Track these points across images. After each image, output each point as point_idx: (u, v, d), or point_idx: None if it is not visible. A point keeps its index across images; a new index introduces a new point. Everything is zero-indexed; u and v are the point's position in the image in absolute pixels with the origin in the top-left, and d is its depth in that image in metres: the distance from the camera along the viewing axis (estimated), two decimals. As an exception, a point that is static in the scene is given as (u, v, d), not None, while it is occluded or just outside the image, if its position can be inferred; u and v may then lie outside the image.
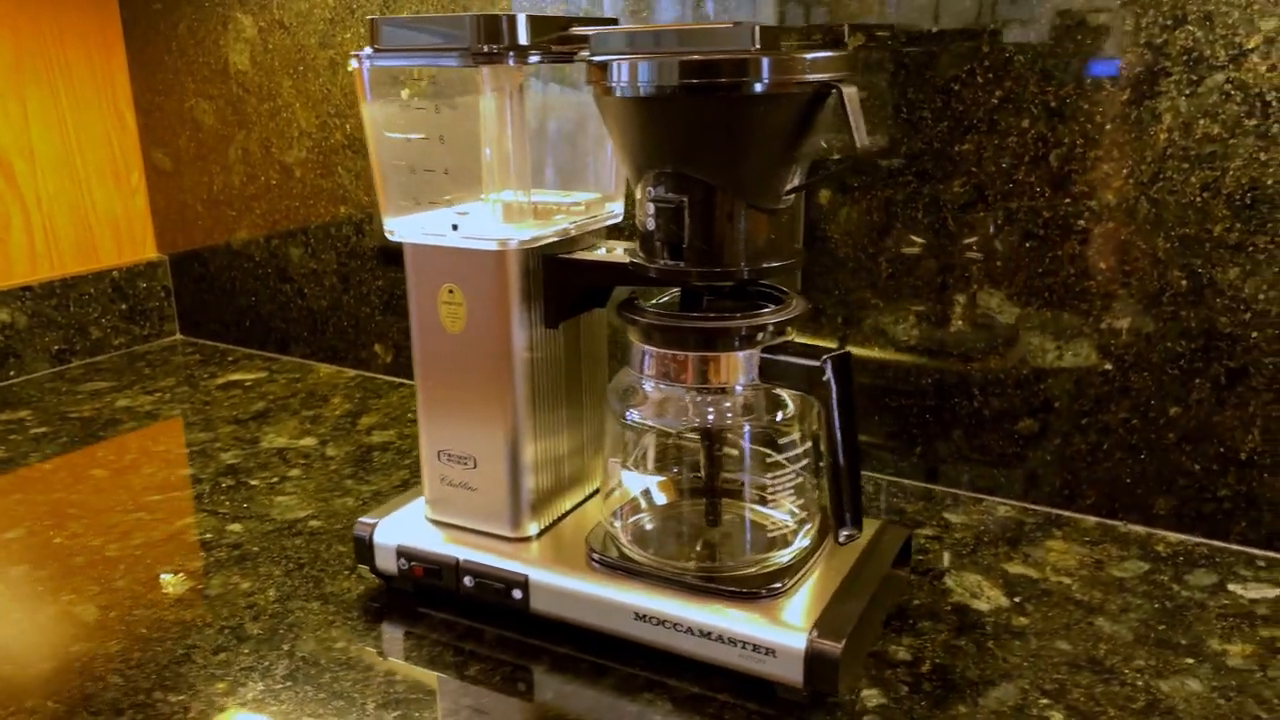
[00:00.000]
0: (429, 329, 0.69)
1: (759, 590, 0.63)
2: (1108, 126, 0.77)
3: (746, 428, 0.65)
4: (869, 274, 0.89)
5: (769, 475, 0.66)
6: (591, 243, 0.72)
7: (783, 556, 0.65)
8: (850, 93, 0.56)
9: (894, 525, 0.72)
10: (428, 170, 0.66)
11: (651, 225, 0.61)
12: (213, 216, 1.33)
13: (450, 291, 0.67)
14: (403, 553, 0.71)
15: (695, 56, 0.56)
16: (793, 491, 0.65)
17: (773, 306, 0.65)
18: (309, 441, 1.04)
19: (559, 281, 0.67)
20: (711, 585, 0.63)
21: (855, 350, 0.91)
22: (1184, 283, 0.77)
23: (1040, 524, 0.84)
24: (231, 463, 0.99)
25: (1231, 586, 0.74)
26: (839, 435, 0.59)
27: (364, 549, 0.73)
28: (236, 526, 0.85)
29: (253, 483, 0.94)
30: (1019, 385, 0.85)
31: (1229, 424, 0.77)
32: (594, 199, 0.72)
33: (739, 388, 0.64)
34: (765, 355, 0.61)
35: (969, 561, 0.78)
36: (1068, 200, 0.80)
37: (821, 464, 0.65)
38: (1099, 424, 0.82)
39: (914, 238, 0.86)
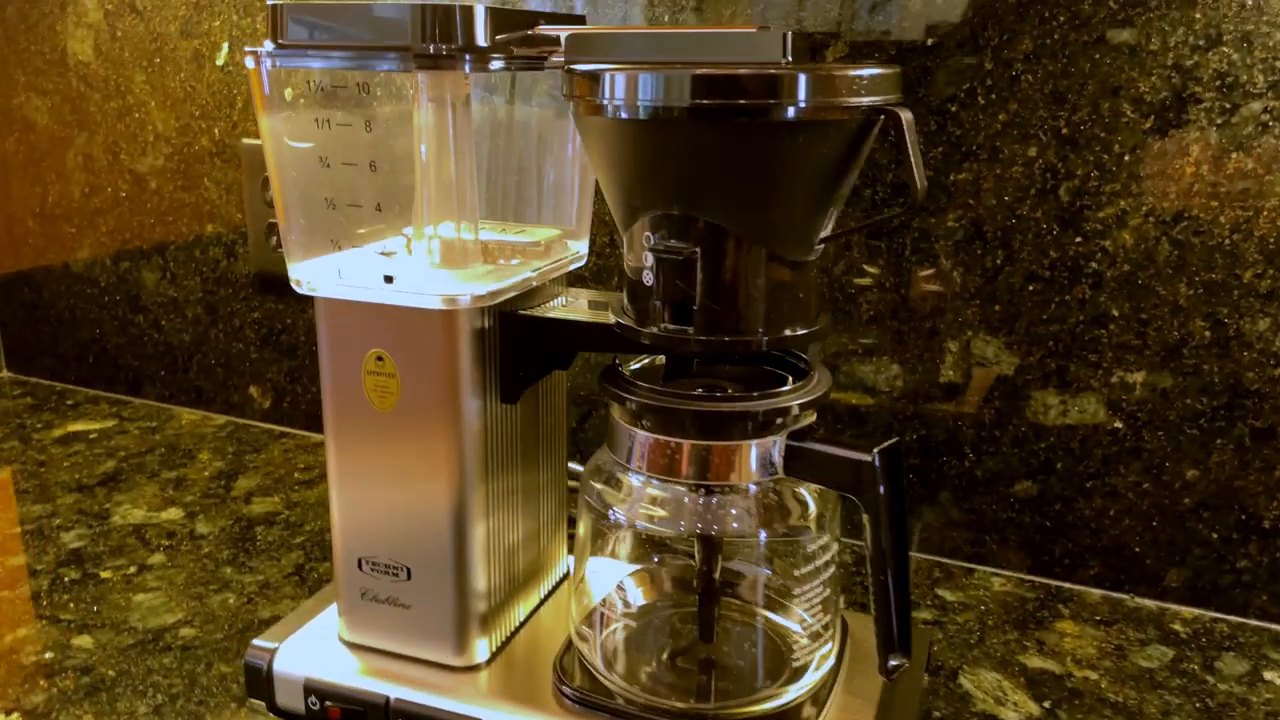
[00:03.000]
0: (349, 406, 0.54)
1: (781, 733, 0.50)
2: (1127, 158, 0.68)
3: (763, 535, 0.52)
4: (847, 315, 0.78)
5: (787, 587, 0.54)
6: (552, 292, 0.58)
7: (800, 688, 0.53)
8: (909, 120, 0.44)
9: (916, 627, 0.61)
10: (354, 205, 0.51)
11: (650, 280, 0.48)
12: (47, 233, 1.12)
13: (379, 360, 0.52)
14: (312, 688, 0.56)
15: (718, 71, 0.43)
16: (817, 605, 0.53)
17: (790, 380, 0.52)
18: (173, 514, 0.86)
19: (522, 346, 0.53)
20: (720, 730, 0.51)
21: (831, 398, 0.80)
22: (1207, 334, 0.69)
23: (1043, 600, 0.74)
24: (76, 546, 0.80)
25: (1268, 675, 0.66)
26: (890, 545, 0.47)
27: (260, 681, 0.57)
28: (85, 640, 0.68)
29: (104, 574, 0.76)
30: (1016, 444, 0.75)
31: (1252, 489, 0.70)
32: (554, 236, 0.58)
33: (753, 486, 0.51)
34: (794, 444, 0.49)
35: (980, 653, 0.68)
36: (1079, 239, 0.70)
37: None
38: (1106, 488, 0.74)
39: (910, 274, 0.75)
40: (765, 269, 0.47)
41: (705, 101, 0.43)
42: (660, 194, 0.47)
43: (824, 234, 0.48)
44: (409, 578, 0.55)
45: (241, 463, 0.96)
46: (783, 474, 0.50)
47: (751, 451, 0.50)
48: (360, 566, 0.56)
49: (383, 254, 0.57)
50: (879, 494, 0.46)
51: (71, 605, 0.72)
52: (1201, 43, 0.65)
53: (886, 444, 0.47)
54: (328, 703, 0.55)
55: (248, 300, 1.02)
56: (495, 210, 0.59)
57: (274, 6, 0.48)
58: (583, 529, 0.56)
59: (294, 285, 0.53)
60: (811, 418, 0.51)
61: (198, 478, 0.93)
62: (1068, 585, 0.76)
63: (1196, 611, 0.73)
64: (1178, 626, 0.71)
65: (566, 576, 0.66)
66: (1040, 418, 0.74)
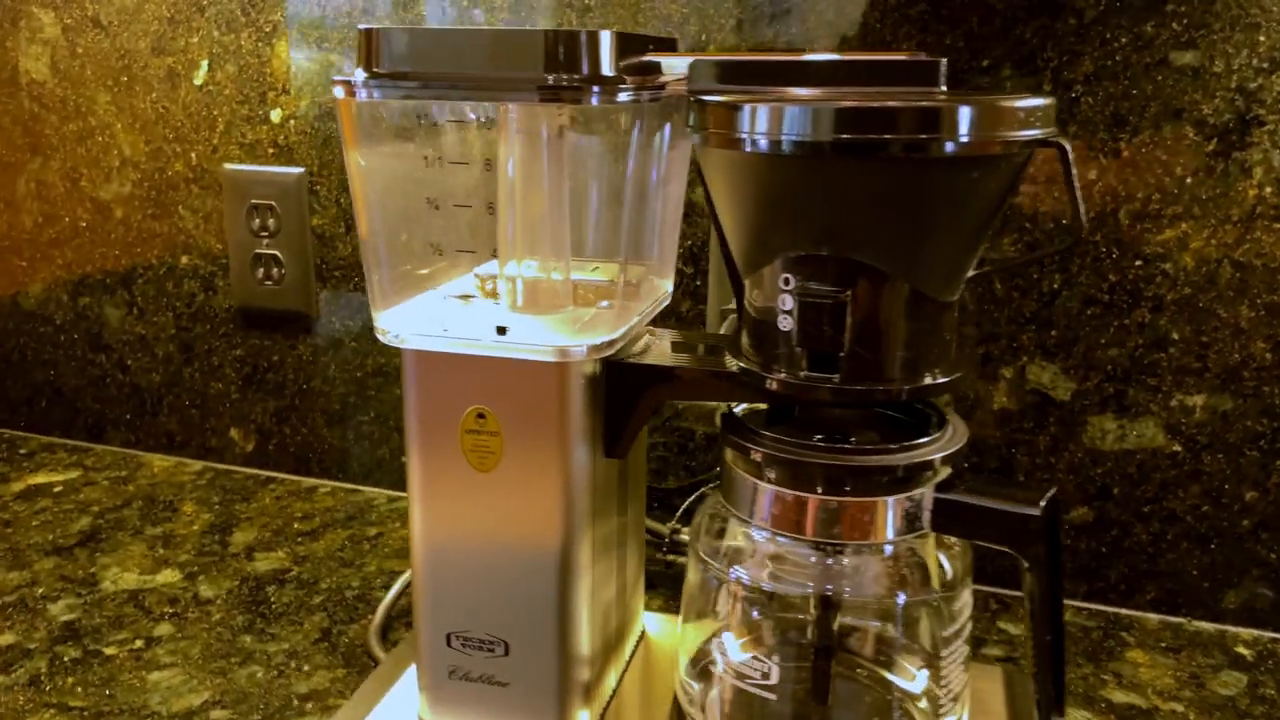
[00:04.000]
0: (442, 469, 0.49)
1: (928, 804, 0.47)
2: (1189, 180, 0.68)
3: (901, 597, 0.49)
4: (894, 344, 0.75)
5: (914, 646, 0.51)
6: (639, 335, 0.54)
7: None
8: (1070, 151, 0.42)
9: (1016, 671, 0.59)
10: (466, 251, 0.46)
11: (787, 325, 0.45)
12: (-9, 267, 1.02)
13: (480, 418, 0.47)
14: (401, 780, 0.50)
15: (885, 103, 0.40)
16: (957, 667, 0.50)
17: (916, 424, 0.49)
18: (170, 577, 0.78)
19: (629, 396, 0.49)
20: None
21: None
22: (1268, 356, 0.68)
23: (1106, 628, 0.73)
24: (68, 618, 0.72)
25: (1344, 697, 0.66)
26: (1052, 603, 0.44)
27: (335, 774, 0.52)
28: (104, 731, 0.61)
29: (108, 651, 0.68)
30: (1072, 470, 0.74)
31: (1312, 509, 0.70)
32: (640, 273, 0.54)
33: (889, 547, 0.48)
34: (944, 498, 0.46)
35: (1062, 691, 0.66)
36: (1139, 262, 0.70)
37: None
38: (1164, 512, 0.73)
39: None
40: (915, 311, 0.44)
41: (867, 136, 0.40)
42: (806, 234, 0.43)
43: (972, 271, 0.45)
44: (507, 653, 0.50)
45: (232, 514, 0.89)
46: (929, 529, 0.47)
47: (891, 508, 0.47)
48: (449, 642, 0.51)
49: (457, 298, 0.52)
50: (1045, 550, 0.44)
51: (79, 690, 0.64)
52: (1265, 65, 0.65)
53: (1049, 494, 0.44)
54: (418, 795, 0.50)
55: (228, 337, 0.95)
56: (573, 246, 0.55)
57: (368, 31, 0.43)
58: (693, 582, 0.52)
59: (380, 335, 0.47)
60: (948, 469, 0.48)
61: (187, 533, 0.85)
62: (1125, 611, 0.75)
63: (1255, 633, 0.73)
64: (1242, 650, 0.71)
65: (644, 634, 0.62)
66: (1098, 443, 0.73)
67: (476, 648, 0.50)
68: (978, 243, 0.44)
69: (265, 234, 0.90)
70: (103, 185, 0.95)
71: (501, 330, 0.45)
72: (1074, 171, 0.42)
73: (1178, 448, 0.72)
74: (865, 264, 0.43)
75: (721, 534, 0.50)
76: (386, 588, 0.76)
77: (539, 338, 0.46)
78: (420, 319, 0.48)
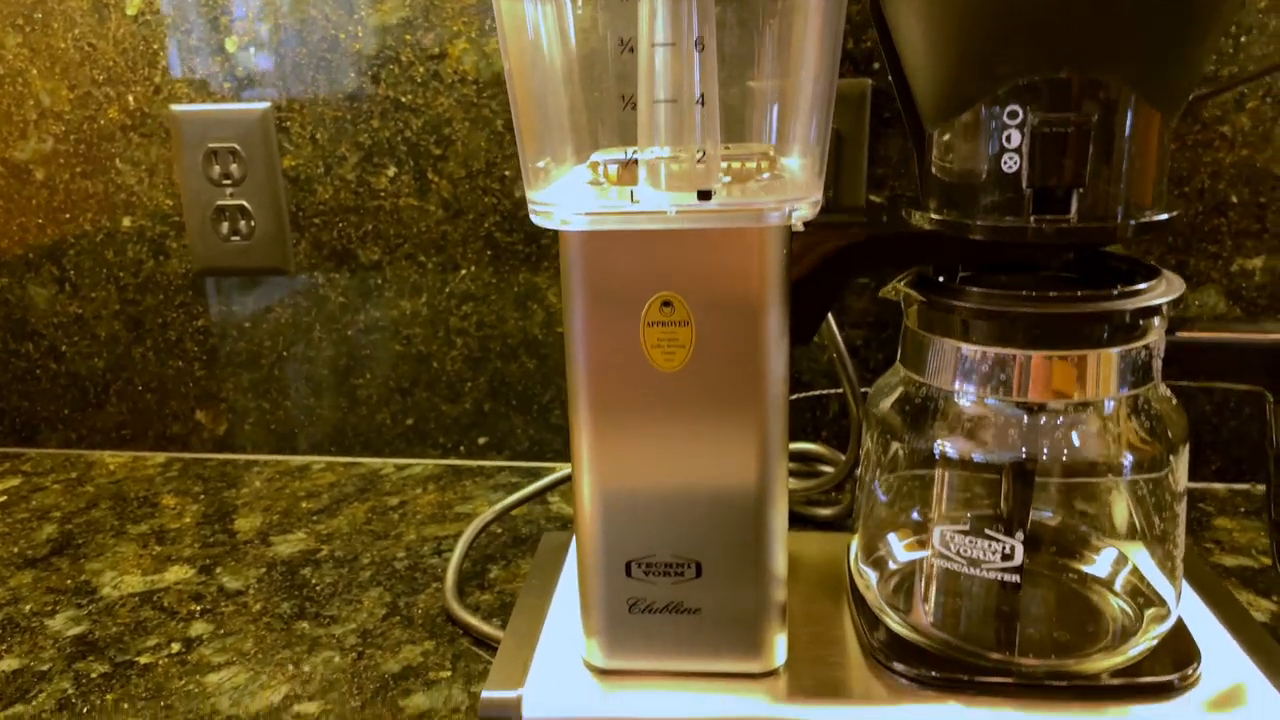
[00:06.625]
0: (617, 371, 0.42)
1: (1170, 680, 0.44)
2: (1243, 39, 0.67)
3: (1129, 458, 0.46)
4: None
5: (1123, 527, 0.48)
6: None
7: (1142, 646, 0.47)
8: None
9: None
10: (670, 101, 0.39)
11: (1013, 165, 0.40)
12: (-126, 254, 0.87)
13: (665, 306, 0.41)
14: (591, 736, 0.44)
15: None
16: (1175, 546, 0.47)
17: (1118, 278, 0.46)
18: (181, 573, 0.68)
19: (825, 273, 0.44)
20: (1095, 684, 0.44)
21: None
22: (1325, 210, 0.69)
23: (1182, 502, 0.73)
24: (78, 632, 0.61)
25: None
26: (1297, 440, 0.42)
27: (508, 742, 0.45)
28: (179, 745, 0.51)
29: (142, 660, 0.58)
30: (1136, 348, 0.73)
31: (1368, 359, 0.71)
32: (767, 151, 0.49)
33: (1110, 402, 0.45)
34: (1183, 339, 0.43)
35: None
36: (1198, 127, 0.69)
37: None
38: (1227, 379, 0.73)
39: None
40: (1144, 135, 0.40)
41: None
42: (1044, 52, 0.39)
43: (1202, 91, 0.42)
44: (698, 574, 0.44)
45: (223, 501, 0.79)
46: (1159, 379, 0.43)
47: (1118, 359, 0.43)
48: (629, 571, 0.44)
49: (589, 184, 0.45)
50: (1299, 381, 0.41)
51: (125, 706, 0.54)
52: (1316, -86, 0.64)
53: (1296, 323, 0.42)
54: (617, 750, 0.44)
55: (186, 306, 0.84)
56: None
57: None
58: (875, 466, 0.47)
59: (541, 218, 0.40)
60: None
61: (180, 526, 0.75)
62: (1192, 484, 0.75)
63: (1319, 489, 0.74)
64: (1315, 505, 0.72)
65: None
66: (1161, 317, 0.72)
67: (662, 573, 0.44)
68: (1213, 47, 0.41)
69: (228, 182, 0.79)
70: (17, 144, 0.82)
71: (705, 195, 0.39)
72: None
73: (1239, 312, 0.72)
74: (1103, 82, 0.39)
75: (917, 411, 0.46)
76: (438, 554, 0.69)
77: (747, 202, 0.40)
78: (577, 201, 0.42)
